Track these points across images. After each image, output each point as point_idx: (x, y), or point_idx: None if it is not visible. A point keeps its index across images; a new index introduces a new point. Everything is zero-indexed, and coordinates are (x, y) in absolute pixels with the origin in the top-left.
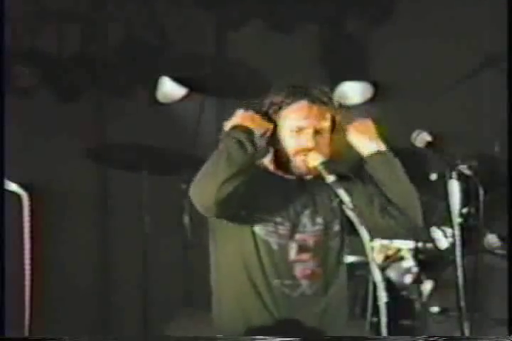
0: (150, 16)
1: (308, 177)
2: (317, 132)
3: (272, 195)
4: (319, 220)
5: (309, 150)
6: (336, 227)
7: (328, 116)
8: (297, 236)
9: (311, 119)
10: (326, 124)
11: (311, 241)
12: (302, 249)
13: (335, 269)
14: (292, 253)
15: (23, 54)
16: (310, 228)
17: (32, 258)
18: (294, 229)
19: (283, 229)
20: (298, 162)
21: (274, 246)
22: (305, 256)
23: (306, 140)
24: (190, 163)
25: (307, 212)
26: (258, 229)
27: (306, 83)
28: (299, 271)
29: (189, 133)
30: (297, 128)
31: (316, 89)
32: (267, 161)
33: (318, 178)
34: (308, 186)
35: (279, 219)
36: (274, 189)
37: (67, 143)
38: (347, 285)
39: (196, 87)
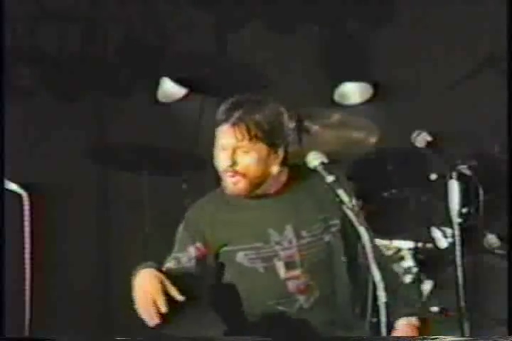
0: (150, 16)
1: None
2: (236, 152)
3: (244, 223)
4: (304, 233)
5: (229, 168)
6: (326, 237)
7: (256, 133)
8: (282, 253)
9: (229, 139)
10: (251, 142)
11: (297, 257)
12: (290, 266)
13: (331, 280)
14: (281, 272)
15: (23, 54)
16: (295, 243)
17: (32, 258)
18: (279, 247)
19: (266, 252)
20: (226, 182)
21: (261, 270)
22: (295, 272)
23: (225, 158)
24: (191, 163)
25: (289, 227)
26: (240, 259)
27: (242, 100)
28: (292, 287)
29: (189, 133)
30: (221, 146)
31: (236, 107)
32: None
33: (293, 191)
34: (285, 201)
35: (259, 244)
36: (244, 216)
37: (67, 144)
38: (350, 294)
39: (196, 87)
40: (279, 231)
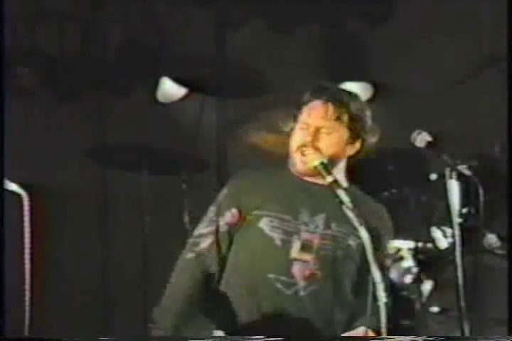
0: (150, 16)
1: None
2: (320, 131)
3: (281, 194)
4: (333, 226)
5: (306, 146)
6: (350, 241)
7: (343, 116)
8: (304, 234)
9: (316, 117)
10: (329, 122)
11: (316, 243)
12: (305, 248)
13: (335, 279)
14: (295, 250)
15: (23, 54)
16: (322, 230)
17: (32, 258)
18: (304, 227)
19: (290, 226)
20: (296, 159)
21: (277, 242)
22: (307, 256)
23: (306, 136)
24: (190, 163)
25: (322, 215)
26: (263, 224)
27: (331, 82)
28: (297, 269)
29: (189, 133)
30: (305, 125)
31: (326, 88)
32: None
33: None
34: (330, 194)
35: (287, 217)
36: (285, 188)
37: (67, 143)
38: (351, 298)
39: (196, 87)
40: (311, 214)
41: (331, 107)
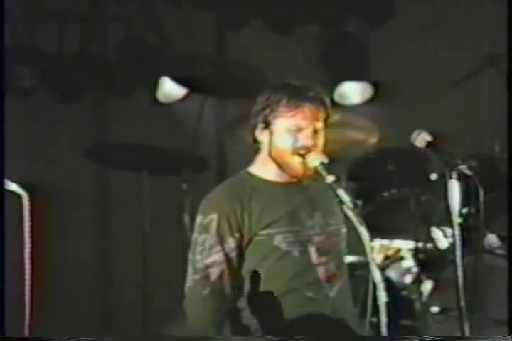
0: (150, 16)
1: (305, 180)
2: (318, 132)
3: (280, 208)
4: (331, 221)
5: (308, 148)
6: (343, 229)
7: (322, 115)
8: (315, 238)
9: (310, 120)
10: (321, 124)
11: (327, 243)
12: (321, 251)
13: (345, 270)
14: (314, 257)
15: (23, 54)
16: (325, 229)
17: (32, 258)
18: (312, 232)
19: (302, 236)
20: (295, 163)
21: (296, 254)
22: (324, 259)
23: (306, 138)
24: (190, 163)
25: (318, 214)
26: (278, 242)
27: (302, 82)
28: (321, 274)
29: (189, 133)
30: (296, 127)
31: (313, 89)
32: (262, 172)
33: (315, 180)
34: (310, 189)
35: (297, 228)
36: (280, 200)
37: (67, 143)
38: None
39: (196, 87)
40: (311, 217)
41: (318, 108)
